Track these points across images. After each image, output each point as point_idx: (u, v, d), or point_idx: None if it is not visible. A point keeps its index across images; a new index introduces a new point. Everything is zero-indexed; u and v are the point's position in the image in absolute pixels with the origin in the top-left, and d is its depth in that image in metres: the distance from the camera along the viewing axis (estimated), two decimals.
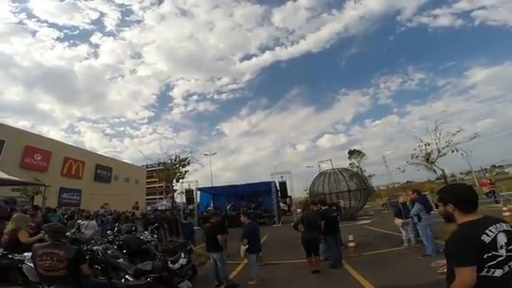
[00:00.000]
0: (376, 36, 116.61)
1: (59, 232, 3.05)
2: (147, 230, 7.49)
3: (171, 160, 8.55)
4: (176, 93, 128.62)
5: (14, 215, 4.82)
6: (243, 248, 5.18)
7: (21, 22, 77.10)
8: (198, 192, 21.77)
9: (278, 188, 21.01)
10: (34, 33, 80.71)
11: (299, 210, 22.28)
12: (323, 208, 6.63)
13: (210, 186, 25.08)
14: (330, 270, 5.88)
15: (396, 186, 49.16)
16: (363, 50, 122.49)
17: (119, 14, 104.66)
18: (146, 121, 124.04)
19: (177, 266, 4.37)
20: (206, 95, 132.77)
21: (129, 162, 43.12)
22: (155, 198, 57.98)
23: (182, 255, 4.54)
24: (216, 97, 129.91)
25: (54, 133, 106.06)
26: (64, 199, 24.80)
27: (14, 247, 4.22)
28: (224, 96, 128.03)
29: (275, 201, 20.25)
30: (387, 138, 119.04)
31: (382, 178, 55.63)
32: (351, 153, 46.88)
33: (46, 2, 78.11)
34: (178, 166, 8.39)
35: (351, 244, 7.21)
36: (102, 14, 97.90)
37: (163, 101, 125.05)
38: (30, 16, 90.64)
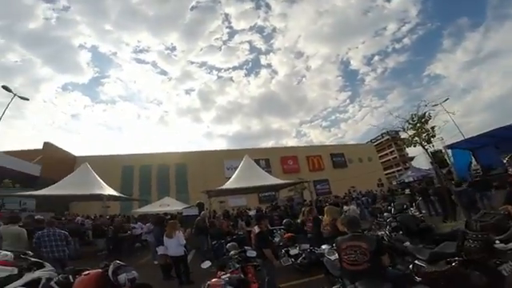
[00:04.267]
0: None
1: (355, 222, 2.85)
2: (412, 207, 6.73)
3: (408, 121, 7.27)
4: (355, 64, 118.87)
5: (326, 208, 5.75)
6: None
7: (218, 76, 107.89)
8: (449, 150, 17.40)
9: None
10: (231, 79, 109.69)
11: None
12: None
13: (463, 138, 19.35)
14: None
15: None
16: None
17: (257, 34, 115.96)
18: (347, 102, 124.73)
19: (510, 245, 3.17)
20: (385, 51, 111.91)
21: (353, 142, 44.95)
22: (393, 172, 54.92)
23: None
24: (397, 46, 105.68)
25: (290, 142, 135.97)
26: (319, 190, 30.18)
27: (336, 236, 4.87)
28: (406, 40, 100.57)
29: None
30: None
31: None
32: None
33: (214, 55, 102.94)
34: (419, 125, 6.97)
35: None
36: (250, 42, 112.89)
37: (350, 77, 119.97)
38: (217, 69, 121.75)
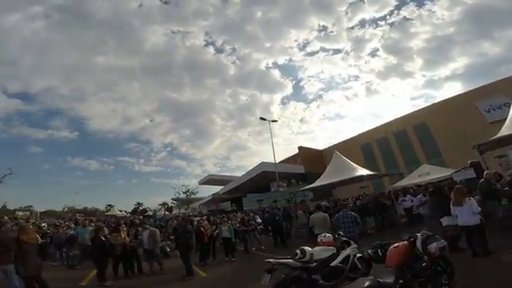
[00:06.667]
0: None
1: None
2: None
3: None
4: None
5: None
6: None
7: (389, 24, 74.51)
8: None
9: None
10: (405, 18, 73.37)
11: None
12: None
13: None
14: None
15: None
16: None
17: None
18: None
19: None
20: None
21: None
22: None
23: None
24: None
25: None
26: None
27: None
28: None
29: None
30: None
31: None
32: None
33: (364, 10, 71.62)
34: None
35: None
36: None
37: None
38: (380, 19, 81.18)
